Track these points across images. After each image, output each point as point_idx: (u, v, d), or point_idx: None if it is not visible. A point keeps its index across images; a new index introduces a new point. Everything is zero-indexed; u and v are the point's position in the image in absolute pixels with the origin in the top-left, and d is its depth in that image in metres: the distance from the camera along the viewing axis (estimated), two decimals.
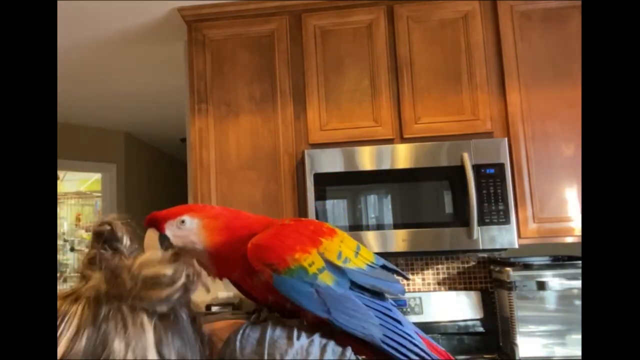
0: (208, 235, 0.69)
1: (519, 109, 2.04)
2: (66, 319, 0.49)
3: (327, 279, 0.69)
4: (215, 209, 0.74)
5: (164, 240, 0.68)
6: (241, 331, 0.65)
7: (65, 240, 5.38)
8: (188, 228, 0.69)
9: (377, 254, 0.82)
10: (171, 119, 3.91)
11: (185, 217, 0.69)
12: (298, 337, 0.64)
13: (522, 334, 1.91)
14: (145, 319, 0.49)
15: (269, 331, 0.64)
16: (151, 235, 0.68)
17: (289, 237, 0.71)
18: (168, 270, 0.52)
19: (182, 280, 0.52)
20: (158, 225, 0.68)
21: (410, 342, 0.71)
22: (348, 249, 0.75)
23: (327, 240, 0.73)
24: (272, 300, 0.72)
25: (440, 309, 2.20)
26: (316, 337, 0.65)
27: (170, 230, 0.69)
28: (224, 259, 0.70)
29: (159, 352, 0.49)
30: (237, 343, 0.63)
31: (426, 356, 0.71)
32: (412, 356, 0.70)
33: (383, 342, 0.69)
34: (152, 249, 0.64)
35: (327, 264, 0.70)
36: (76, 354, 0.46)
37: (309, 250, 0.70)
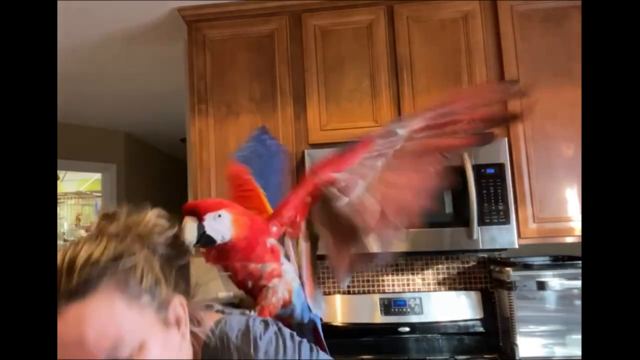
0: (236, 229, 0.80)
1: (519, 109, 2.04)
2: (98, 239, 0.65)
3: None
4: (240, 207, 0.84)
5: (201, 229, 0.77)
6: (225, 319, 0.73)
7: (65, 240, 5.38)
8: (223, 222, 0.79)
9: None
10: (171, 119, 3.90)
11: (223, 212, 0.79)
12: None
13: (522, 334, 1.91)
14: (152, 257, 0.67)
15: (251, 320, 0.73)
16: (191, 225, 0.77)
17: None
18: (164, 222, 0.71)
19: (174, 231, 0.72)
20: (199, 215, 0.77)
21: None
22: None
23: None
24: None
25: (440, 309, 2.20)
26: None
27: (208, 221, 0.78)
28: (241, 250, 0.80)
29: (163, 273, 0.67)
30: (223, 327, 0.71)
31: None
32: None
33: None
34: (190, 235, 0.75)
35: None
36: (107, 255, 0.63)
37: None
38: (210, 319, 0.74)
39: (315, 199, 0.84)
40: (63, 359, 0.58)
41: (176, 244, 0.72)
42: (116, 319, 0.61)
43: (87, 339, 0.58)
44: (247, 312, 0.78)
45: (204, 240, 0.77)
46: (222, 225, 0.78)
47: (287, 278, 0.83)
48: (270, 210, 0.91)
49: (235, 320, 0.72)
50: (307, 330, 0.89)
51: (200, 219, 0.77)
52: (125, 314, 0.62)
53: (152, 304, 0.65)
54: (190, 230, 0.76)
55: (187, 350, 0.70)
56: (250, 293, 0.83)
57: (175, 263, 0.71)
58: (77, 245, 0.63)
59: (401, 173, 0.85)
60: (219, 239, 0.78)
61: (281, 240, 0.85)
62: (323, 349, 0.83)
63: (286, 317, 0.83)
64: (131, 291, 0.63)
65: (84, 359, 0.58)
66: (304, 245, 0.87)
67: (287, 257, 0.85)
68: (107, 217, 0.70)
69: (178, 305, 0.69)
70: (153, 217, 0.71)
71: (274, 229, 0.83)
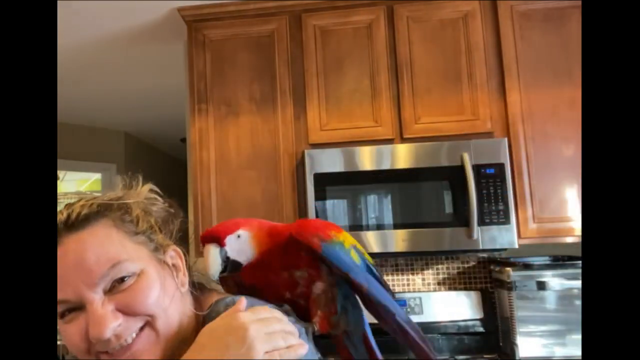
0: (257, 245, 0.77)
1: (519, 109, 2.04)
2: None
3: (355, 257, 0.81)
4: (255, 221, 0.81)
5: (224, 254, 0.75)
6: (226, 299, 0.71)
7: None
8: (243, 241, 0.76)
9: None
10: (171, 119, 3.91)
11: (241, 232, 0.76)
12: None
13: (522, 334, 1.91)
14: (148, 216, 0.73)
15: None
16: (213, 252, 0.74)
17: (322, 222, 0.83)
18: (155, 195, 0.76)
19: (165, 204, 0.77)
20: (219, 241, 0.75)
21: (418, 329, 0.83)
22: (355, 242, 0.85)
23: (344, 231, 0.84)
24: (289, 298, 0.79)
25: (440, 309, 2.20)
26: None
27: (229, 245, 0.75)
28: (265, 264, 0.77)
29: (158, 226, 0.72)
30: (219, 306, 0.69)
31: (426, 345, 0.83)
32: (421, 342, 0.83)
33: (406, 321, 0.81)
34: (214, 263, 0.73)
35: (352, 246, 0.81)
36: (102, 201, 0.69)
37: (340, 231, 0.81)
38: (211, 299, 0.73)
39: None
40: (64, 282, 0.61)
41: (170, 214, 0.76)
42: (115, 245, 0.65)
43: (87, 260, 0.62)
44: (302, 323, 0.73)
45: (231, 266, 0.74)
46: (245, 245, 0.76)
47: (332, 281, 0.79)
48: None
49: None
50: (357, 338, 0.85)
51: (221, 244, 0.74)
52: (123, 243, 0.66)
53: (148, 244, 0.68)
54: (214, 257, 0.73)
55: (187, 298, 0.71)
56: (290, 303, 0.78)
57: (171, 227, 0.74)
58: (78, 200, 0.69)
59: None
60: (243, 261, 0.76)
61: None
62: (373, 357, 0.84)
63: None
64: (126, 228, 0.67)
65: (84, 280, 0.61)
66: None
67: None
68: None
69: (175, 254, 0.72)
70: (147, 188, 0.76)
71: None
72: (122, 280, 0.63)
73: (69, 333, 0.62)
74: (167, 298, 0.66)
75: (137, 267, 0.65)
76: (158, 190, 0.77)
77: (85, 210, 0.66)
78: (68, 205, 0.67)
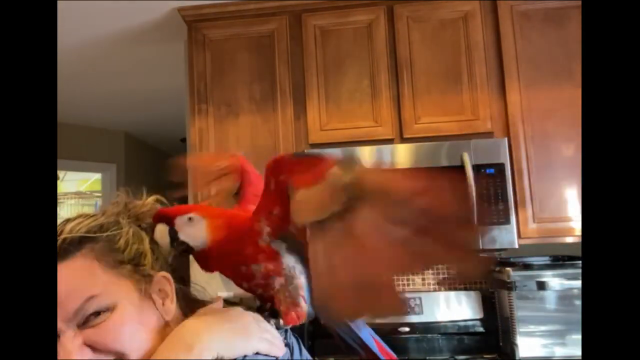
0: (211, 232, 0.74)
1: (519, 108, 2.04)
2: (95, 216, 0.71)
3: None
4: (216, 209, 0.80)
5: (174, 234, 0.73)
6: None
7: None
8: (195, 225, 0.74)
9: None
10: (171, 119, 3.91)
11: (193, 215, 0.74)
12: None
13: (522, 334, 1.91)
14: (144, 234, 0.71)
15: None
16: (161, 229, 0.73)
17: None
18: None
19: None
20: (169, 221, 0.73)
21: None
22: None
23: None
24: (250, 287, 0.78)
25: (440, 309, 2.20)
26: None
27: (179, 226, 0.74)
28: (222, 255, 0.75)
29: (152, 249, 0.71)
30: None
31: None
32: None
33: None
34: (163, 241, 0.72)
35: None
36: (93, 225, 0.68)
37: None
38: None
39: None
40: None
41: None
42: (90, 279, 0.64)
43: (62, 295, 0.62)
44: (273, 321, 0.74)
45: (180, 247, 0.74)
46: (196, 229, 0.74)
47: (294, 273, 0.77)
48: None
49: None
50: (344, 331, 0.84)
51: (170, 223, 0.73)
52: (100, 277, 0.65)
53: (133, 275, 0.67)
54: (161, 234, 0.73)
55: (174, 324, 0.69)
56: (252, 293, 0.81)
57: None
58: (74, 218, 0.69)
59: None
60: (196, 244, 0.74)
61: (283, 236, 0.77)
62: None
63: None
64: (110, 258, 0.66)
65: (58, 312, 0.61)
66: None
67: (291, 252, 0.77)
68: (112, 203, 0.75)
69: (163, 279, 0.70)
70: (151, 201, 0.75)
71: (267, 229, 0.75)
72: (97, 314, 0.63)
73: None
74: (143, 334, 0.65)
75: (112, 302, 0.64)
76: (165, 201, 0.76)
77: (70, 238, 0.65)
78: (61, 225, 0.67)
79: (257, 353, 0.66)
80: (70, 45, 2.56)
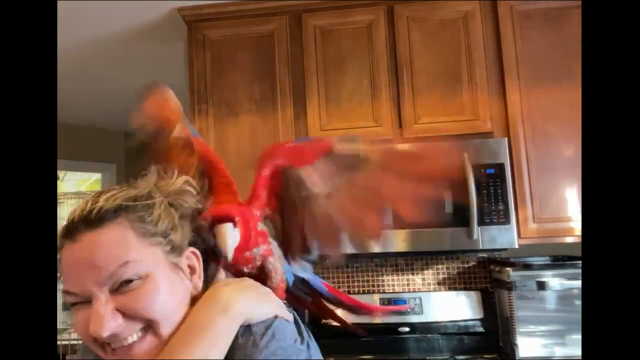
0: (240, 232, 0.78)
1: (519, 109, 2.04)
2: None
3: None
4: (235, 206, 0.83)
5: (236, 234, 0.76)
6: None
7: None
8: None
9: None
10: None
11: (237, 218, 0.78)
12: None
13: (522, 334, 1.91)
14: (173, 211, 0.72)
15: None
16: (229, 229, 0.75)
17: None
18: (191, 189, 0.77)
19: (198, 197, 0.78)
20: (235, 222, 0.76)
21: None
22: None
23: None
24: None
25: (440, 309, 2.20)
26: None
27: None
28: (236, 249, 0.79)
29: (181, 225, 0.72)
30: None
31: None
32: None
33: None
34: (232, 244, 0.74)
35: None
36: (126, 196, 0.69)
37: None
38: None
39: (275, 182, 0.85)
40: (75, 277, 0.63)
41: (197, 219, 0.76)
42: (125, 246, 0.65)
43: (97, 260, 0.63)
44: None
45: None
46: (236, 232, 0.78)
47: (278, 252, 0.83)
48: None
49: None
50: (299, 287, 0.91)
51: (235, 225, 0.75)
52: (135, 245, 0.66)
53: (164, 246, 0.69)
54: (231, 237, 0.74)
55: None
56: (246, 276, 0.83)
57: (197, 224, 0.74)
58: (107, 191, 0.70)
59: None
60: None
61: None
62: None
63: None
64: (144, 229, 0.67)
65: (92, 277, 0.63)
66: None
67: (271, 231, 0.85)
68: (142, 177, 0.76)
69: (193, 256, 0.72)
70: (181, 181, 0.76)
71: (257, 212, 0.82)
72: (129, 281, 0.64)
73: (77, 322, 0.64)
74: (173, 303, 0.67)
75: (145, 270, 0.65)
76: (194, 184, 0.78)
77: (106, 207, 0.66)
78: (95, 197, 0.68)
79: (275, 317, 0.70)
80: (70, 45, 2.56)
